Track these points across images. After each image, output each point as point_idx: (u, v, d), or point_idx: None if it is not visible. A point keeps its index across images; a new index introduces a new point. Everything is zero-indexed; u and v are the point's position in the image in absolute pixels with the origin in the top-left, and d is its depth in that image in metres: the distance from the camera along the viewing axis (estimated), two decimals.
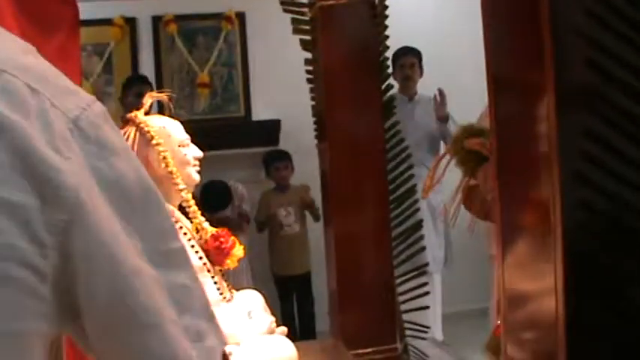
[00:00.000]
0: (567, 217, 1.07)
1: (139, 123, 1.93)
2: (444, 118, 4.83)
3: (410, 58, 5.11)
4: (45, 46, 1.71)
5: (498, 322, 1.65)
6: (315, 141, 3.61)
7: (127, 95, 4.99)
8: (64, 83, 0.75)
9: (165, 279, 0.72)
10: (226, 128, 5.69)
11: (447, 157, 1.98)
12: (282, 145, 5.78)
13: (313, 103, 3.64)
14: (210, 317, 0.77)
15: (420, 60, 5.19)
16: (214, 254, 1.92)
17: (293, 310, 5.73)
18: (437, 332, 4.94)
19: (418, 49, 5.10)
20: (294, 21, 3.52)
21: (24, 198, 0.64)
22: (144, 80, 5.21)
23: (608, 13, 1.05)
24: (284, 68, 5.30)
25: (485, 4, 1.33)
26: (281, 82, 5.53)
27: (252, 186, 5.69)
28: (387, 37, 3.47)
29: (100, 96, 5.73)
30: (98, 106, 0.75)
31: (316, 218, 5.37)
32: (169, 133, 1.97)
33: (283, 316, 5.66)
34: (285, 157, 5.58)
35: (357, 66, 3.21)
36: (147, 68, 5.83)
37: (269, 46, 5.74)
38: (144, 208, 0.73)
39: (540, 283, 1.17)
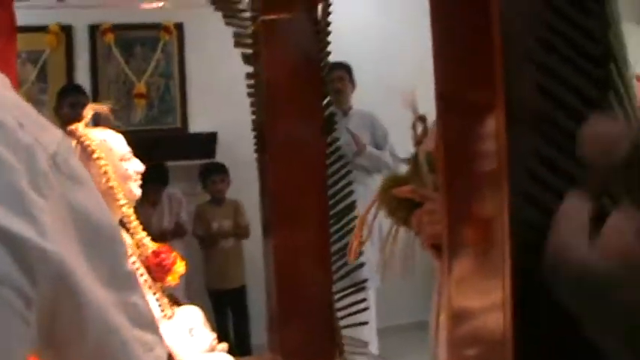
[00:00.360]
0: (515, 234, 1.09)
1: (80, 136, 1.89)
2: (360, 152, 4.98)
3: (338, 72, 5.12)
4: None
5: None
6: (253, 154, 3.61)
7: (62, 106, 4.91)
8: (39, 118, 0.80)
9: (122, 300, 0.80)
10: (163, 140, 5.66)
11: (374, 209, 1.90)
12: (219, 157, 5.77)
13: (253, 116, 3.63)
14: (156, 329, 0.86)
15: (350, 73, 5.21)
16: (155, 271, 1.90)
17: (228, 325, 5.71)
18: (373, 346, 4.96)
19: (347, 63, 5.11)
20: (235, 35, 3.51)
21: (21, 229, 0.68)
22: (79, 90, 5.14)
23: (557, 39, 1.08)
24: (222, 80, 5.30)
25: (435, 22, 1.35)
26: (218, 94, 5.53)
27: (188, 199, 5.66)
28: (329, 52, 3.48)
29: (34, 104, 5.63)
30: (67, 140, 0.81)
31: (245, 236, 5.42)
32: (110, 146, 1.95)
33: (218, 331, 5.59)
34: (221, 170, 5.57)
35: (300, 80, 3.21)
36: (83, 77, 5.75)
37: (207, 58, 5.72)
38: (107, 238, 0.80)
39: (487, 299, 1.18)
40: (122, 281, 0.80)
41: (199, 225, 5.64)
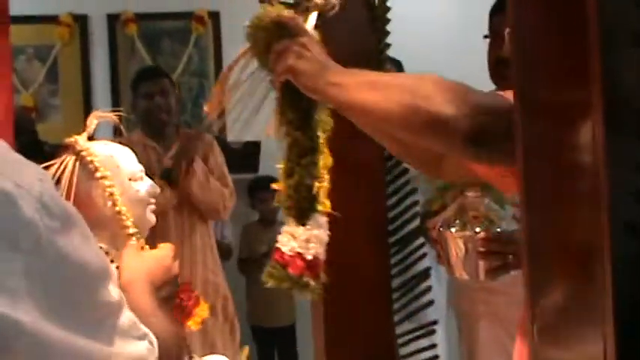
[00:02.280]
0: (618, 270, 1.03)
1: (80, 151, 1.85)
2: None
3: (386, 68, 5.03)
4: None
5: None
6: None
7: (136, 96, 4.75)
8: (9, 153, 0.86)
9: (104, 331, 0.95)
10: None
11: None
12: (262, 171, 5.76)
13: None
14: (146, 335, 1.13)
15: (401, 70, 5.13)
16: (174, 314, 1.85)
17: None
18: None
19: (396, 59, 5.03)
20: None
21: None
22: (159, 73, 4.96)
23: None
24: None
25: (513, 11, 1.30)
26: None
27: (232, 218, 5.66)
28: (388, 45, 3.43)
29: (43, 109, 5.70)
30: (46, 173, 0.89)
31: None
32: (118, 163, 1.90)
33: None
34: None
35: None
36: (100, 76, 5.80)
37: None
38: (89, 276, 0.92)
39: (582, 350, 1.13)
40: (104, 313, 0.94)
41: (245, 248, 5.65)
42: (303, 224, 1.75)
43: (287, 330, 5.63)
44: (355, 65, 3.13)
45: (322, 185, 1.83)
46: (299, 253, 1.76)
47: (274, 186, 1.89)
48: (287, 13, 1.81)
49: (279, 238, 1.77)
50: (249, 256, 5.61)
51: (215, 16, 5.91)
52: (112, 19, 5.82)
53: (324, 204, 1.83)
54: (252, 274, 5.61)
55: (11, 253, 0.78)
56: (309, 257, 1.77)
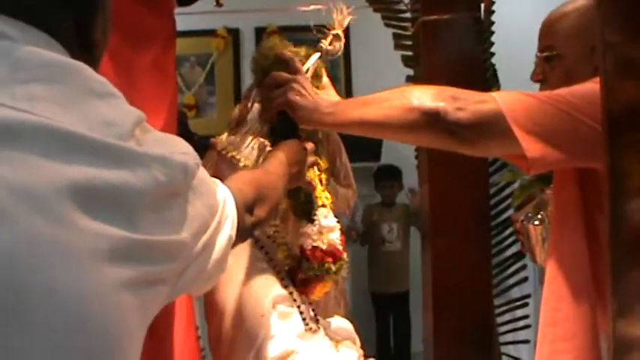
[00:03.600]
0: None
1: (223, 149, 1.87)
2: None
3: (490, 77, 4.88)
4: (138, 59, 1.69)
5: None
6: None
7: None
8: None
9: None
10: None
11: None
12: (384, 160, 5.72)
13: None
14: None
15: (496, 77, 4.97)
16: (299, 285, 1.85)
17: (389, 330, 5.66)
18: None
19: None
20: (395, 36, 3.45)
21: None
22: None
23: None
24: (388, 83, 5.23)
25: (604, 16, 1.21)
26: None
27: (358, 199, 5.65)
28: (493, 54, 3.35)
29: (202, 107, 5.80)
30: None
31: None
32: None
33: (378, 335, 5.59)
34: (396, 174, 5.55)
35: (462, 82, 3.10)
36: (249, 80, 5.83)
37: (373, 61, 5.66)
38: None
39: None
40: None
41: (367, 226, 5.63)
42: (312, 221, 1.74)
43: (401, 296, 5.59)
44: (463, 72, 3.08)
45: (320, 187, 1.81)
46: (315, 247, 1.75)
47: None
48: (290, 49, 1.82)
49: (301, 240, 1.77)
50: (372, 235, 5.60)
51: (346, 29, 5.85)
52: (259, 32, 5.87)
53: (324, 198, 1.81)
54: (374, 250, 5.61)
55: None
56: (325, 246, 1.76)
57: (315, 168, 1.86)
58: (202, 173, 1.01)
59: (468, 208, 3.11)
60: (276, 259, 1.87)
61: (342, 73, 5.91)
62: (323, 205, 1.83)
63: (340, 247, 1.85)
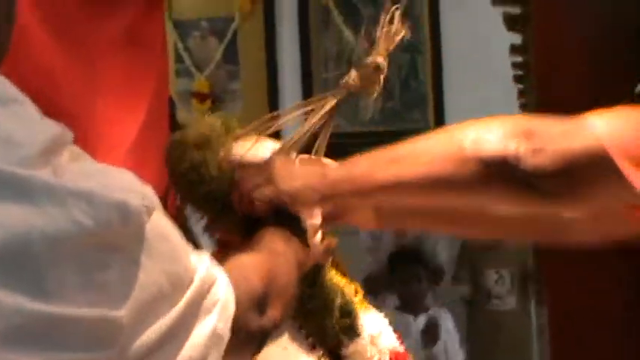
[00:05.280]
0: None
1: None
2: None
3: None
4: (100, 29, 1.73)
5: None
6: None
7: None
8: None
9: None
10: None
11: None
12: None
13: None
14: None
15: None
16: None
17: None
18: None
19: None
20: None
21: None
22: None
23: None
24: (488, 53, 5.23)
25: None
26: (491, 74, 5.42)
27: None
28: None
29: (221, 95, 5.83)
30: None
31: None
32: None
33: None
34: None
35: (599, 58, 3.11)
36: (288, 53, 5.86)
37: (467, 22, 5.66)
38: None
39: None
40: None
41: (463, 268, 5.67)
42: (358, 334, 1.78)
43: None
44: (602, 37, 3.08)
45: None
46: None
47: None
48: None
49: None
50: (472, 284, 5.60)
51: None
52: None
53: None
54: (473, 305, 5.61)
55: None
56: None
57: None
58: (160, 224, 1.00)
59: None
60: None
61: (426, 41, 5.91)
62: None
63: (402, 349, 1.89)
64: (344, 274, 1.92)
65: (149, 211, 0.96)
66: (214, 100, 5.78)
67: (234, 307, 1.11)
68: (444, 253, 5.58)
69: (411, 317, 5.20)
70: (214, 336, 1.06)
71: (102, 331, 0.90)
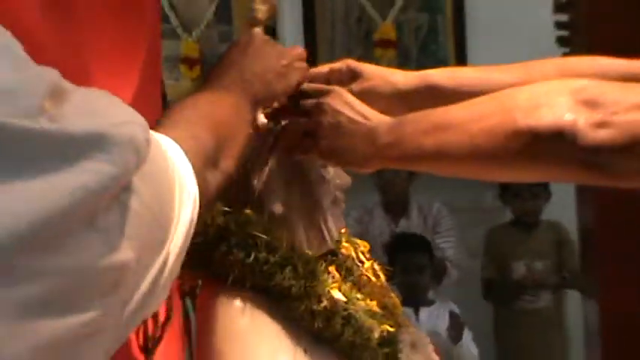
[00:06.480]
0: None
1: None
2: None
3: None
4: None
5: None
6: None
7: None
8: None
9: None
10: None
11: None
12: None
13: None
14: None
15: None
16: None
17: None
18: None
19: None
20: None
21: None
22: None
23: None
24: (525, 12, 5.22)
25: None
26: (520, 37, 5.42)
27: (469, 216, 5.66)
28: None
29: (212, 59, 5.83)
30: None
31: (572, 286, 5.31)
32: None
33: None
34: None
35: None
36: (291, 14, 5.87)
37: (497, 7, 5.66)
38: None
39: None
40: None
41: (490, 264, 5.70)
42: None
43: None
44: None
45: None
46: None
47: None
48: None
49: None
50: (499, 278, 5.67)
51: None
52: None
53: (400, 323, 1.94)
54: (503, 301, 5.68)
55: None
56: None
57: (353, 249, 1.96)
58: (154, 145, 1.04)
59: None
60: None
61: (448, 27, 5.91)
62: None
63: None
64: (384, 292, 1.98)
65: (149, 144, 1.00)
66: (204, 65, 5.77)
67: (196, 186, 1.18)
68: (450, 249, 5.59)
69: (411, 310, 5.15)
70: (190, 225, 1.14)
71: (113, 278, 0.96)
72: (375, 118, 1.69)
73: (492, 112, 1.53)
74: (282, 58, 1.71)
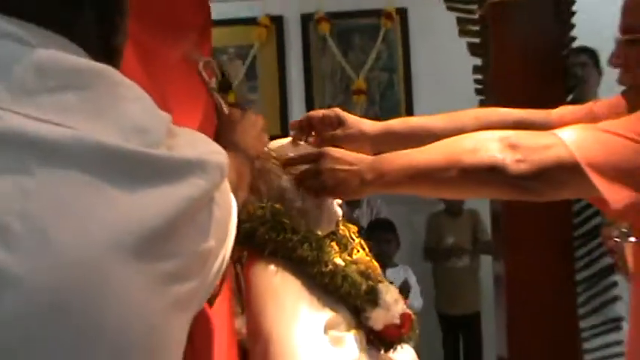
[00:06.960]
0: None
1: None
2: None
3: (580, 57, 4.65)
4: (166, 53, 1.69)
5: None
6: None
7: None
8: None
9: None
10: None
11: None
12: None
13: None
14: None
15: (596, 60, 4.76)
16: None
17: (458, 355, 5.64)
18: None
19: (592, 48, 4.67)
20: (460, 21, 3.39)
21: None
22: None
23: None
24: (451, 73, 5.19)
25: None
26: (449, 88, 5.39)
27: (415, 208, 5.62)
28: (574, 38, 3.28)
29: (243, 104, 5.82)
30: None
31: (486, 253, 5.26)
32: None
33: (446, 358, 5.57)
34: None
35: (537, 74, 3.07)
36: (295, 73, 5.86)
37: (435, 47, 5.63)
38: None
39: None
40: None
41: (431, 238, 5.65)
42: (377, 305, 1.81)
43: (472, 318, 5.55)
44: (540, 61, 3.04)
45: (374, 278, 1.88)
46: (388, 325, 1.83)
47: None
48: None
49: (369, 322, 1.84)
50: (436, 248, 5.61)
51: (403, 12, 5.86)
52: (306, 19, 5.88)
53: (379, 280, 1.89)
54: (439, 265, 5.61)
55: None
56: (397, 321, 1.85)
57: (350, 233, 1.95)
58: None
59: (548, 214, 3.07)
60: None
61: (399, 64, 5.90)
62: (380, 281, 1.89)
63: (410, 312, 1.91)
64: (367, 254, 1.96)
65: (227, 166, 1.02)
66: (239, 107, 5.78)
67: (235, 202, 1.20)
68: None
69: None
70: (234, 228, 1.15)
71: (204, 259, 0.99)
72: (358, 162, 1.70)
73: (446, 154, 1.59)
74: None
